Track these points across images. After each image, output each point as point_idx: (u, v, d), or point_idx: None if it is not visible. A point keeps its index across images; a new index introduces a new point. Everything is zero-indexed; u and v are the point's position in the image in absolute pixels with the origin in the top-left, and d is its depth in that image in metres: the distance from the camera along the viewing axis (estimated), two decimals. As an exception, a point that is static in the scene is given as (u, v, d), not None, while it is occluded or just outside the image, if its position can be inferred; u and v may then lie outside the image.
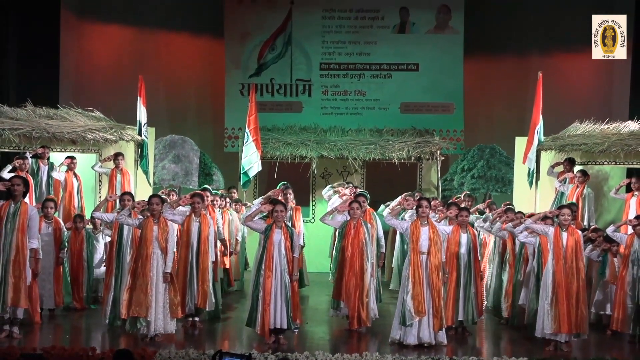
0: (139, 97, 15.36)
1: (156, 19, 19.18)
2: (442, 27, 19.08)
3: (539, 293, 10.49)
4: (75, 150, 14.80)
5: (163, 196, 11.34)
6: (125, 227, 11.00)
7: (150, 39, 19.31)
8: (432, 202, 12.15)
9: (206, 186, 12.76)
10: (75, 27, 18.65)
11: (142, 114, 15.40)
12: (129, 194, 11.60)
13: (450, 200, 13.06)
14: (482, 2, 18.85)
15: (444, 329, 10.32)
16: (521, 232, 10.92)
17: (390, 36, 19.14)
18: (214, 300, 11.36)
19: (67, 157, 14.48)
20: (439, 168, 16.55)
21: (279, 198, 12.24)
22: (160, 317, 10.24)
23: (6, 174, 13.43)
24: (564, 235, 10.29)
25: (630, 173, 14.90)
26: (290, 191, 13.04)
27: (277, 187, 12.97)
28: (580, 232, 10.68)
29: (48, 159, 14.41)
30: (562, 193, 14.24)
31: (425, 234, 10.29)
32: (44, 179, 14.23)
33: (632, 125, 15.22)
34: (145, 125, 15.48)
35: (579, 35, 17.85)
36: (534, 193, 15.00)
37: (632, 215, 13.02)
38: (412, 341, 10.16)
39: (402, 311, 10.20)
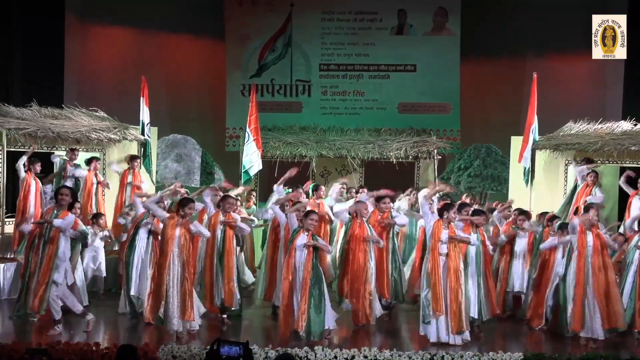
0: (141, 98, 15.55)
1: (158, 21, 19.25)
2: (439, 29, 19.17)
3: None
4: (80, 150, 14.99)
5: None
6: (141, 229, 11.30)
7: (153, 41, 19.41)
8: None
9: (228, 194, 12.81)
10: (79, 30, 18.75)
11: (145, 114, 15.60)
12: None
13: (461, 201, 13.18)
14: (478, 4, 18.94)
15: (465, 332, 10.37)
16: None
17: (388, 38, 19.24)
18: (238, 297, 11.52)
19: (93, 158, 14.70)
20: (436, 167, 16.71)
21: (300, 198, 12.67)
22: (176, 316, 10.33)
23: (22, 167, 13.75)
24: (589, 236, 10.56)
25: (623, 172, 15.11)
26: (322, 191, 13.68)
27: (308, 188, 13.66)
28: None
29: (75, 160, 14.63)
30: (575, 188, 14.45)
31: (446, 237, 10.38)
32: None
33: (625, 125, 15.45)
34: (148, 125, 15.67)
35: (573, 37, 18.06)
36: (529, 191, 15.23)
37: (633, 212, 13.37)
38: (433, 339, 10.30)
39: (423, 309, 10.35)
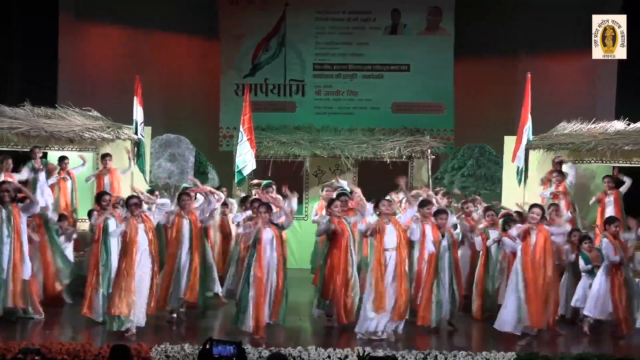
0: (135, 97, 15.56)
1: (153, 20, 19.29)
2: (433, 29, 19.24)
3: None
4: (73, 149, 14.99)
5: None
6: (110, 225, 11.19)
7: (147, 40, 19.43)
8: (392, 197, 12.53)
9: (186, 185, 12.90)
10: (73, 28, 18.76)
11: (138, 114, 15.60)
12: (106, 193, 11.95)
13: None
14: (472, 4, 18.99)
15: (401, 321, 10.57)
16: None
17: (382, 37, 19.30)
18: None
19: (63, 158, 14.65)
20: (429, 166, 16.72)
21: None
22: (143, 312, 10.50)
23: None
24: (533, 233, 10.54)
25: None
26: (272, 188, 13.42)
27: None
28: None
29: (42, 161, 14.54)
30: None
31: (392, 232, 10.53)
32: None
33: (617, 125, 15.52)
34: (142, 124, 15.67)
35: (567, 36, 18.15)
36: (522, 191, 15.26)
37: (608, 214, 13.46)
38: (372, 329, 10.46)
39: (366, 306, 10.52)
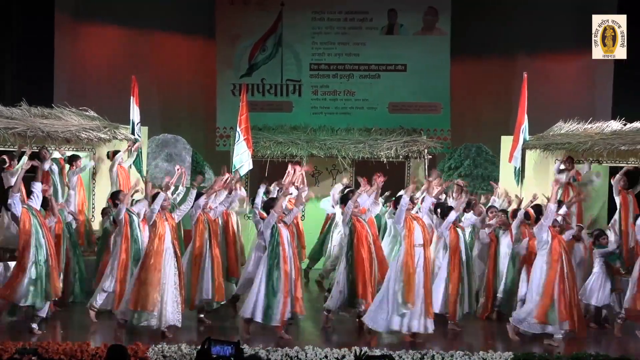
0: (132, 97, 15.56)
1: (150, 20, 19.18)
2: (429, 29, 19.19)
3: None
4: (70, 149, 14.98)
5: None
6: (135, 223, 11.34)
7: (144, 40, 19.35)
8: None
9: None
10: (69, 28, 18.71)
11: (135, 114, 15.61)
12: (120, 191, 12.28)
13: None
14: (468, 4, 18.95)
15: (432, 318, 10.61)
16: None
17: (378, 37, 19.24)
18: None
19: (75, 157, 14.70)
20: (426, 166, 16.72)
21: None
22: (170, 310, 10.50)
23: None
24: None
25: (613, 171, 15.19)
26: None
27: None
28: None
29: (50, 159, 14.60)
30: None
31: (418, 229, 10.64)
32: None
33: (614, 125, 15.54)
34: (139, 124, 15.68)
35: (564, 36, 18.14)
36: (519, 191, 15.27)
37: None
38: (405, 330, 10.49)
39: (396, 302, 10.46)
